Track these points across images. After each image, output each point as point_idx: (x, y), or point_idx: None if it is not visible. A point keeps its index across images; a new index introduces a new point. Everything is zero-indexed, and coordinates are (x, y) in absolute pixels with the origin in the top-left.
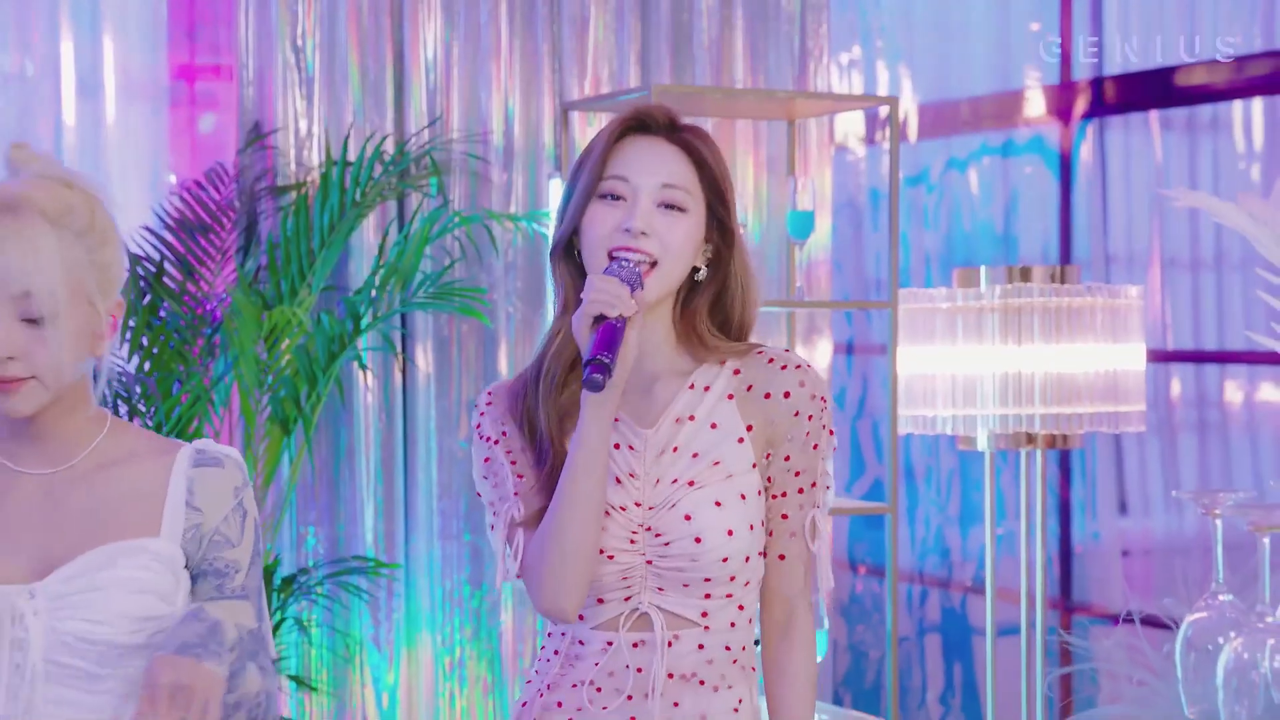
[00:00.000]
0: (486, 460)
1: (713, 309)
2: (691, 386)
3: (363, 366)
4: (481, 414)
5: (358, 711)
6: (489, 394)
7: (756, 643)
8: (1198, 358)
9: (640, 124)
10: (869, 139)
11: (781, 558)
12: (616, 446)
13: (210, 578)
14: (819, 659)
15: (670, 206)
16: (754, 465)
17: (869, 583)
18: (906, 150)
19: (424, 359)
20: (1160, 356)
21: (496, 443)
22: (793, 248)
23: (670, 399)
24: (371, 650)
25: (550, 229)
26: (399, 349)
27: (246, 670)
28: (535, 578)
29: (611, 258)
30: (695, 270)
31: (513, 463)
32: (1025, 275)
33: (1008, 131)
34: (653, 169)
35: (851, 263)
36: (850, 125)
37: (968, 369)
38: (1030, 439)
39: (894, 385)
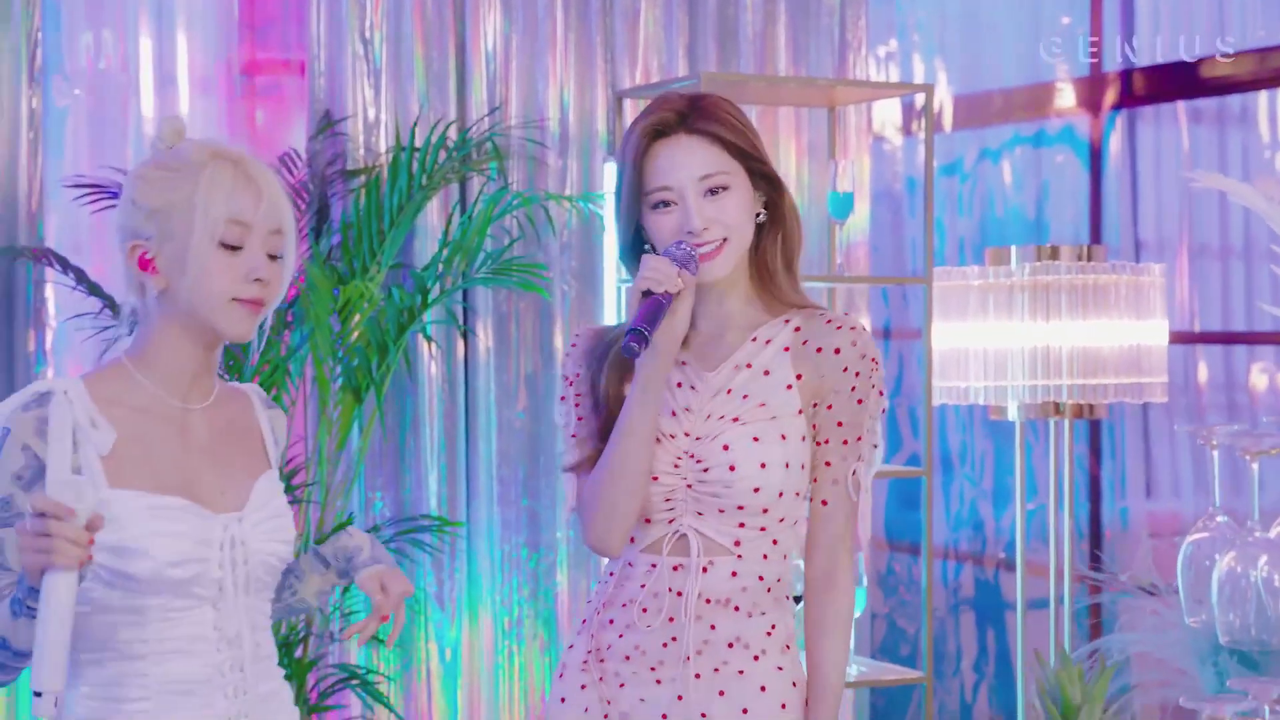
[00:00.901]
0: (562, 398)
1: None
2: (754, 339)
3: (428, 339)
4: (566, 354)
5: (422, 665)
6: (577, 335)
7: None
8: (1225, 339)
9: (658, 131)
10: (905, 129)
11: (824, 503)
12: (679, 385)
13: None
14: (857, 613)
15: (715, 190)
16: (799, 412)
17: (904, 560)
18: (941, 140)
19: (484, 334)
20: (1187, 339)
21: (571, 383)
22: (833, 227)
23: (734, 348)
24: (435, 608)
25: (607, 213)
26: (461, 323)
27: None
28: (588, 513)
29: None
30: (756, 216)
31: (576, 405)
32: (1054, 254)
33: (1039, 122)
34: (686, 168)
35: (889, 248)
36: (887, 114)
37: (999, 343)
38: (1058, 409)
39: (929, 357)
